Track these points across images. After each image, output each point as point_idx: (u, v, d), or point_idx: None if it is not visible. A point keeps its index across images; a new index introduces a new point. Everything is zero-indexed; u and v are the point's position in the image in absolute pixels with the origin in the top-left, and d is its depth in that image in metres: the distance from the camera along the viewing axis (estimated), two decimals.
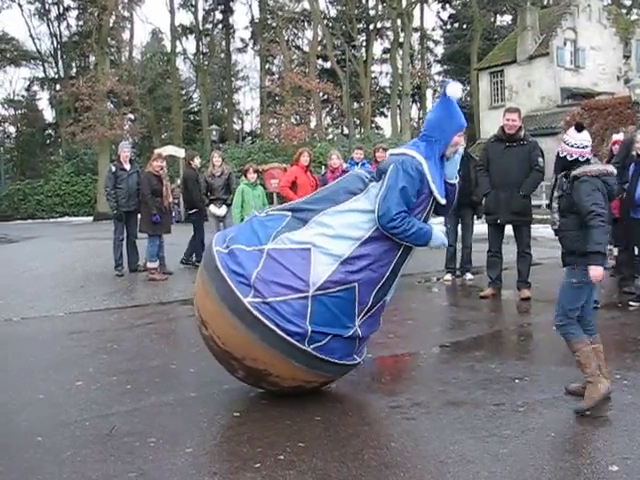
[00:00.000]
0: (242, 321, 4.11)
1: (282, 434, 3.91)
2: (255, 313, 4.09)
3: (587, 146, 4.58)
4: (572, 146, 4.59)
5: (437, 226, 4.49)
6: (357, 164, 11.24)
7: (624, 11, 45.00)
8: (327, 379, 4.57)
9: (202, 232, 11.50)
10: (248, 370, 4.34)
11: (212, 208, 11.39)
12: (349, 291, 4.22)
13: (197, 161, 12.22)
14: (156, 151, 13.93)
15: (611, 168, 4.62)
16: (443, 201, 4.52)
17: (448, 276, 9.64)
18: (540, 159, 7.98)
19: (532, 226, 8.24)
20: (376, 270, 4.30)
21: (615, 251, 9.38)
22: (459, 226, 9.65)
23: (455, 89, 4.43)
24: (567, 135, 4.69)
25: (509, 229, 8.26)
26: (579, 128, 4.67)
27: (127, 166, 11.10)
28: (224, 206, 11.39)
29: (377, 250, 4.29)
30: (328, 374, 4.45)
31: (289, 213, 4.48)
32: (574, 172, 4.53)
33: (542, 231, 14.57)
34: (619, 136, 9.58)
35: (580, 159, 4.56)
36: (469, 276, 9.60)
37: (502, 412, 4.19)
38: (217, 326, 4.28)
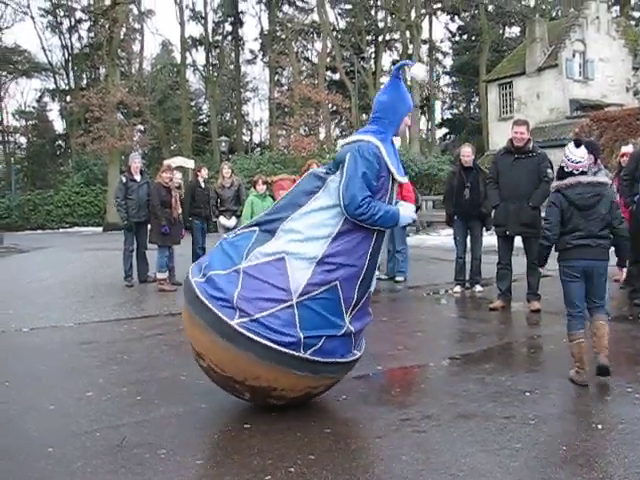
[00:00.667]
0: (235, 343, 4.10)
1: (293, 446, 3.90)
2: (245, 333, 4.08)
3: (580, 161, 5.06)
4: (569, 160, 5.09)
5: (402, 206, 4.53)
6: None
7: (633, 23, 44.98)
8: (333, 380, 4.55)
9: (194, 243, 11.70)
10: (253, 390, 4.33)
11: (222, 220, 11.46)
12: (332, 290, 4.21)
13: (204, 172, 12.24)
14: (165, 162, 13.98)
15: (573, 180, 5.07)
16: (404, 180, 4.57)
17: (457, 288, 9.62)
18: (549, 170, 7.97)
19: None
20: (354, 264, 4.28)
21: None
22: (468, 238, 9.65)
23: (419, 69, 4.55)
24: (567, 148, 5.16)
25: (519, 241, 8.25)
26: (577, 144, 5.14)
27: (137, 177, 11.16)
28: (234, 217, 11.44)
29: (350, 243, 4.27)
30: (333, 375, 4.44)
31: (256, 228, 4.47)
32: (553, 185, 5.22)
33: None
34: (628, 148, 9.56)
35: (575, 172, 5.09)
36: (478, 288, 9.58)
37: (513, 425, 4.17)
38: (212, 354, 4.27)
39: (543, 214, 7.24)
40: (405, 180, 4.61)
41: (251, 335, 4.07)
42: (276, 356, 4.09)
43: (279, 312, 4.13)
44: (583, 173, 5.10)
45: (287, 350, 4.10)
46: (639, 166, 8.21)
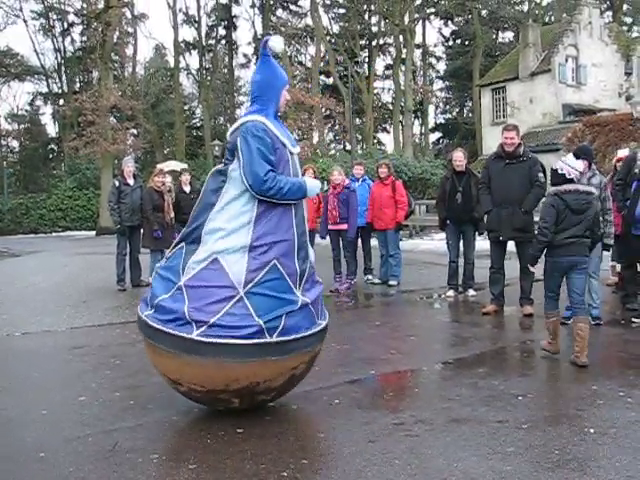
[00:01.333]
0: (203, 354, 4.13)
1: (285, 451, 3.90)
2: (208, 340, 4.12)
3: (579, 171, 6.04)
4: (570, 167, 5.98)
5: (308, 178, 4.75)
6: (357, 180, 11.28)
7: (625, 28, 45.21)
8: (310, 355, 4.55)
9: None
10: (239, 393, 4.32)
11: None
12: (273, 270, 4.26)
13: (185, 178, 11.91)
14: (158, 166, 13.96)
15: (572, 187, 5.92)
16: (296, 149, 4.67)
17: (450, 292, 9.64)
18: (541, 174, 8.01)
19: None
20: (283, 238, 4.35)
21: (618, 267, 9.38)
22: (461, 242, 9.67)
23: (277, 41, 4.57)
24: (568, 158, 6.09)
25: (511, 245, 8.28)
26: (577, 156, 6.23)
27: (131, 181, 11.15)
28: None
29: (272, 221, 4.33)
30: (306, 349, 4.45)
31: (182, 244, 4.51)
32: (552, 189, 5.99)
33: None
34: (624, 152, 9.53)
35: (575, 180, 5.97)
36: (471, 292, 9.59)
37: (505, 429, 4.18)
38: (187, 375, 4.29)
39: (536, 218, 7.35)
40: (297, 149, 4.72)
41: (214, 340, 4.12)
42: (244, 350, 4.14)
43: (232, 309, 4.17)
44: (571, 180, 5.96)
45: (253, 340, 4.14)
46: (631, 171, 8.24)
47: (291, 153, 4.60)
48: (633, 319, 7.48)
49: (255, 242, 4.26)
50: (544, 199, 6.42)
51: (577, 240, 5.90)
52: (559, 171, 6.01)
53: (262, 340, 4.16)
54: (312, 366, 4.72)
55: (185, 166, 26.67)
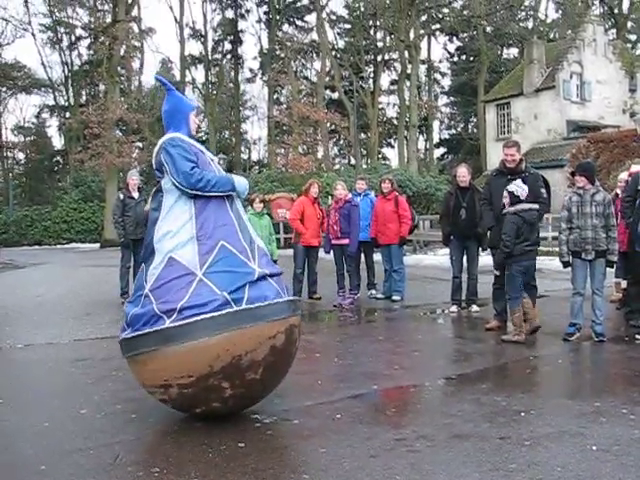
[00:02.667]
0: (181, 339, 4.29)
1: (287, 466, 3.89)
2: (181, 323, 4.30)
3: (527, 193, 7.35)
4: (522, 190, 7.34)
5: (236, 176, 5.02)
6: (360, 195, 11.29)
7: (629, 45, 45.35)
8: (285, 325, 4.60)
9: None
10: (226, 374, 4.35)
11: None
12: (222, 250, 4.53)
13: None
14: None
15: (527, 206, 7.33)
16: (215, 158, 5.12)
17: (454, 308, 9.62)
18: (543, 190, 8.02)
19: (537, 258, 8.23)
20: (224, 223, 4.66)
21: (623, 284, 9.35)
22: (464, 258, 9.66)
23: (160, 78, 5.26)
24: (517, 182, 7.46)
25: None
26: (524, 181, 7.55)
27: (135, 194, 11.18)
28: None
29: (210, 211, 4.65)
30: (279, 317, 4.55)
31: (142, 265, 4.80)
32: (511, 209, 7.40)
33: (548, 263, 14.56)
34: (637, 167, 9.34)
35: (525, 200, 7.35)
36: (475, 308, 9.57)
37: (508, 446, 4.16)
38: (172, 370, 4.35)
39: (542, 234, 7.40)
40: (216, 158, 5.15)
41: (186, 321, 4.30)
42: (217, 321, 4.29)
43: (195, 290, 4.38)
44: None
45: (222, 311, 4.32)
46: (638, 187, 8.21)
47: (212, 159, 5.01)
48: (637, 336, 7.45)
49: (199, 232, 4.56)
50: (507, 217, 7.39)
51: (532, 247, 7.49)
52: (515, 193, 7.31)
53: (230, 309, 4.35)
54: (293, 342, 4.72)
55: None
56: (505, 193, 7.45)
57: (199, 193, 4.63)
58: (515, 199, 7.30)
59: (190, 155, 4.73)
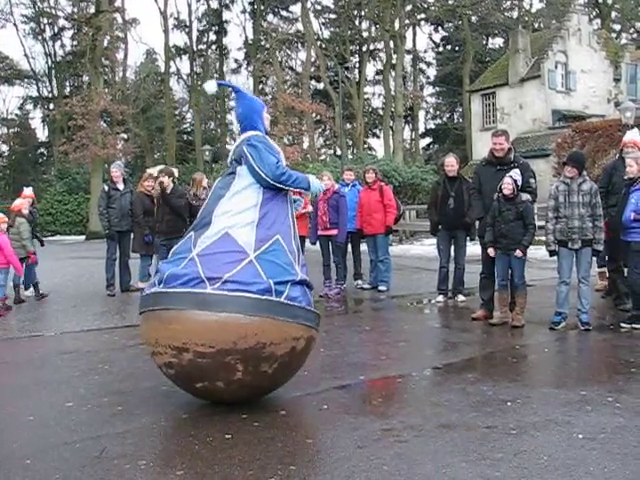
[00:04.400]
0: (216, 308, 4.38)
1: (274, 457, 3.88)
2: (222, 292, 4.40)
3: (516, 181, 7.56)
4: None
5: (311, 176, 5.27)
6: (348, 185, 11.27)
7: (614, 35, 45.51)
8: (310, 332, 4.76)
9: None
10: (245, 355, 4.40)
11: None
12: (276, 243, 4.70)
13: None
14: (148, 171, 13.92)
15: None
16: (284, 160, 5.19)
17: (440, 297, 9.64)
18: (532, 180, 8.03)
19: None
20: (283, 222, 4.87)
21: (599, 270, 9.47)
22: (452, 247, 9.68)
23: (210, 86, 5.31)
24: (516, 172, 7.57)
25: None
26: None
27: (120, 186, 11.12)
28: None
29: (275, 207, 4.85)
30: (307, 322, 4.71)
31: (191, 232, 4.89)
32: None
33: (534, 252, 14.59)
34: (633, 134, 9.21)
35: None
36: (461, 298, 9.60)
37: (494, 435, 4.17)
38: (197, 335, 4.39)
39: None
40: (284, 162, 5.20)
41: (229, 293, 4.40)
42: (255, 304, 4.41)
43: (244, 268, 4.50)
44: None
45: (264, 296, 4.44)
46: (612, 179, 8.29)
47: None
48: (622, 324, 7.50)
49: (261, 220, 4.73)
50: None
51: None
52: (517, 182, 7.49)
53: (271, 298, 4.47)
54: (307, 352, 4.86)
55: (176, 171, 26.57)
56: (509, 180, 7.49)
57: (280, 186, 4.85)
58: (518, 188, 7.52)
59: (273, 152, 4.95)
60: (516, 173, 7.57)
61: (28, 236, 10.76)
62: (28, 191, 11.77)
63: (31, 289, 11.09)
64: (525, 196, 7.64)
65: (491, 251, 7.74)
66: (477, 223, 8.55)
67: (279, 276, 4.57)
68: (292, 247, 4.81)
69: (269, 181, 4.81)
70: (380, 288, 10.81)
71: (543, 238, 7.82)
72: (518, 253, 7.51)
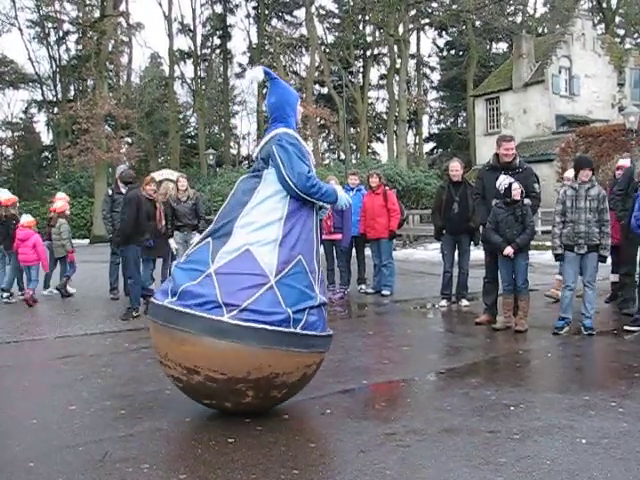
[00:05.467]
0: (232, 337, 4.22)
1: (276, 461, 3.88)
2: (240, 323, 4.23)
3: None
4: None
5: (339, 187, 5.17)
6: (352, 189, 11.28)
7: (618, 40, 45.48)
8: (321, 356, 4.74)
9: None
10: (257, 385, 4.36)
11: (171, 241, 10.89)
12: (299, 265, 4.50)
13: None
14: (152, 174, 13.92)
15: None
16: (313, 160, 4.98)
17: (444, 302, 9.63)
18: (536, 185, 8.06)
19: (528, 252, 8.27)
20: (307, 237, 4.65)
21: (612, 277, 9.43)
22: (456, 252, 9.67)
23: (255, 73, 4.94)
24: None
25: None
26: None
27: (124, 190, 11.10)
28: (196, 233, 10.52)
29: (300, 220, 4.63)
30: (320, 349, 4.68)
31: (209, 239, 4.65)
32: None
33: (538, 257, 14.60)
34: (624, 161, 9.47)
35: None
36: (465, 302, 9.59)
37: (497, 439, 4.17)
38: (209, 360, 4.28)
39: (536, 228, 7.49)
40: (313, 160, 5.03)
41: (245, 324, 4.23)
42: (273, 337, 4.28)
43: (263, 295, 4.32)
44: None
45: (281, 328, 4.31)
46: (632, 182, 8.28)
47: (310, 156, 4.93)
48: (626, 327, 7.50)
49: (285, 237, 4.51)
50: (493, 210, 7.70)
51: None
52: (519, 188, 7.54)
53: (289, 329, 4.34)
54: (317, 371, 4.83)
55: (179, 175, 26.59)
56: (516, 185, 7.52)
57: (308, 198, 4.63)
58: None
59: (305, 158, 4.69)
60: (509, 178, 7.61)
61: (68, 236, 11.80)
62: (61, 195, 12.74)
63: (50, 288, 11.95)
64: (526, 200, 7.65)
65: (509, 250, 7.54)
66: (481, 228, 8.55)
67: (298, 303, 4.43)
68: (313, 266, 4.63)
69: (298, 192, 4.58)
70: (384, 292, 10.80)
71: (548, 243, 7.82)
72: (508, 250, 7.52)
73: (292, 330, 4.35)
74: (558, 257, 7.56)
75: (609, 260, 8.91)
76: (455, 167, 9.48)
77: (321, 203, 4.78)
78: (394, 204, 10.82)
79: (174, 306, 4.39)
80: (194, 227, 10.93)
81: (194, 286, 4.38)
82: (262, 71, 4.89)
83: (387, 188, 11.13)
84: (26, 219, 11.39)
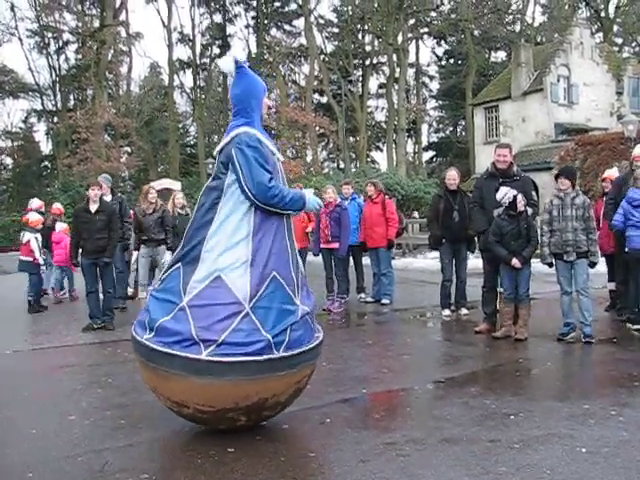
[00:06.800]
0: (213, 375, 4.10)
1: (276, 471, 3.88)
2: (218, 359, 4.09)
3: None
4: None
5: (308, 191, 4.71)
6: (347, 199, 11.27)
7: (616, 49, 45.61)
8: (312, 368, 4.62)
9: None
10: (248, 411, 4.31)
11: (134, 254, 10.50)
12: (274, 282, 4.29)
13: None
14: (152, 184, 13.88)
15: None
16: (281, 157, 4.72)
17: (447, 312, 9.54)
18: (534, 193, 8.12)
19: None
20: (280, 248, 4.39)
21: (609, 286, 9.45)
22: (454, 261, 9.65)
23: (226, 63, 4.59)
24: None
25: None
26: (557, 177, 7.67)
27: (108, 197, 10.74)
28: (166, 251, 10.07)
29: (269, 232, 4.36)
30: (309, 362, 4.52)
31: (178, 264, 4.44)
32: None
33: (536, 266, 14.56)
34: (610, 172, 9.61)
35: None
36: (464, 311, 9.58)
37: (497, 449, 4.16)
38: (195, 397, 4.22)
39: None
40: (281, 157, 4.77)
41: (225, 359, 4.09)
42: (255, 367, 4.13)
43: (239, 325, 4.15)
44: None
45: (263, 357, 4.14)
46: (622, 191, 8.35)
47: (278, 159, 4.68)
48: (629, 325, 7.63)
49: (256, 255, 4.27)
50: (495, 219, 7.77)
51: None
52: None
53: (270, 356, 4.17)
54: (310, 378, 4.74)
55: (179, 184, 26.59)
56: (520, 197, 7.58)
57: (271, 209, 4.35)
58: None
59: (267, 164, 4.38)
60: (512, 190, 7.62)
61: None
62: (37, 203, 12.92)
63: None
64: (529, 210, 7.69)
65: (516, 262, 7.57)
66: (480, 237, 8.55)
67: (277, 324, 4.23)
68: (290, 277, 4.41)
69: (258, 203, 4.31)
70: (383, 301, 10.79)
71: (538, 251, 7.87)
72: (515, 262, 7.54)
73: (274, 356, 4.18)
74: (550, 265, 7.63)
75: (605, 268, 9.01)
76: (453, 176, 9.47)
77: (287, 212, 4.49)
78: (392, 213, 10.82)
79: (153, 345, 4.26)
80: (160, 242, 10.35)
81: (169, 322, 4.24)
82: (233, 60, 4.57)
83: (387, 197, 11.14)
84: (61, 226, 12.56)
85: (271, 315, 4.23)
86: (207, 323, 4.15)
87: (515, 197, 7.52)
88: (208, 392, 4.16)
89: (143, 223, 10.36)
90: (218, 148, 4.60)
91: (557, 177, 7.70)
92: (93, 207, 9.05)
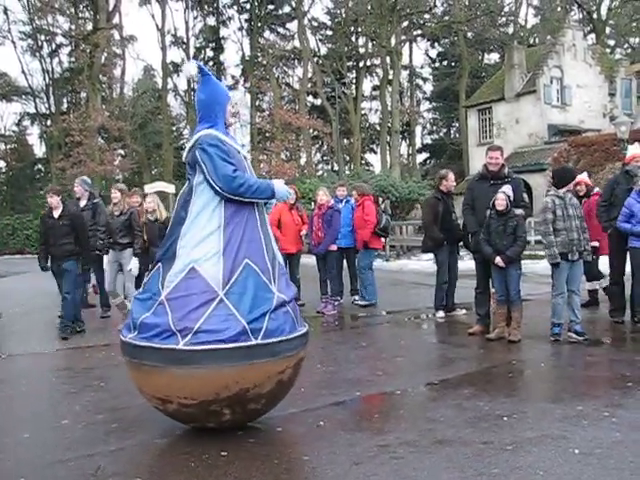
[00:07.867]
0: (192, 364, 4.16)
1: (269, 474, 3.87)
2: (195, 348, 4.16)
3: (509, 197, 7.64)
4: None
5: (277, 181, 4.81)
6: (341, 201, 11.27)
7: (608, 50, 45.78)
8: (295, 360, 4.59)
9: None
10: (230, 402, 4.31)
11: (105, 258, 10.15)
12: (247, 269, 4.38)
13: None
14: (145, 187, 13.86)
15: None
16: (248, 155, 4.81)
17: (441, 313, 9.55)
18: (525, 195, 8.17)
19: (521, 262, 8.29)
20: (252, 237, 4.51)
21: (587, 285, 9.54)
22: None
23: (189, 68, 4.76)
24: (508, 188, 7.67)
25: None
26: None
27: (83, 202, 10.68)
28: (133, 258, 9.59)
29: (241, 222, 4.49)
30: (291, 353, 4.50)
31: (159, 264, 4.59)
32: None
33: (531, 267, 14.62)
34: (583, 176, 9.91)
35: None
36: (463, 311, 9.59)
37: (490, 450, 4.16)
38: (177, 389, 4.26)
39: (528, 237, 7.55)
40: (249, 155, 4.77)
41: (200, 347, 4.16)
42: (231, 353, 4.18)
43: (214, 311, 4.24)
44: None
45: (239, 343, 4.19)
46: (614, 192, 8.40)
47: (245, 157, 4.84)
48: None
49: (227, 245, 4.39)
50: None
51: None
52: (510, 198, 7.57)
53: (248, 343, 4.22)
54: (298, 373, 4.72)
55: (173, 187, 26.50)
56: (503, 195, 7.55)
57: (239, 199, 4.48)
58: (511, 203, 7.61)
59: (229, 157, 4.53)
60: (508, 189, 7.66)
61: None
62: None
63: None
64: (518, 211, 7.71)
65: (499, 260, 7.59)
66: (470, 238, 8.56)
67: (254, 309, 4.30)
68: (265, 265, 4.49)
69: (226, 195, 4.45)
70: (356, 301, 11.03)
71: (541, 253, 7.89)
72: (499, 260, 7.58)
73: (252, 342, 4.23)
74: (557, 265, 7.58)
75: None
76: (452, 178, 9.52)
77: (256, 201, 4.61)
78: (368, 215, 10.79)
79: (135, 341, 4.39)
80: (125, 246, 9.74)
81: (149, 317, 4.37)
82: (195, 66, 4.72)
83: (367, 198, 10.99)
84: None
85: (246, 299, 4.31)
86: (183, 313, 4.25)
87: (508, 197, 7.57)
88: (188, 383, 4.20)
89: (110, 226, 9.93)
90: (185, 152, 4.76)
91: (578, 183, 7.80)
92: (56, 213, 9.11)
